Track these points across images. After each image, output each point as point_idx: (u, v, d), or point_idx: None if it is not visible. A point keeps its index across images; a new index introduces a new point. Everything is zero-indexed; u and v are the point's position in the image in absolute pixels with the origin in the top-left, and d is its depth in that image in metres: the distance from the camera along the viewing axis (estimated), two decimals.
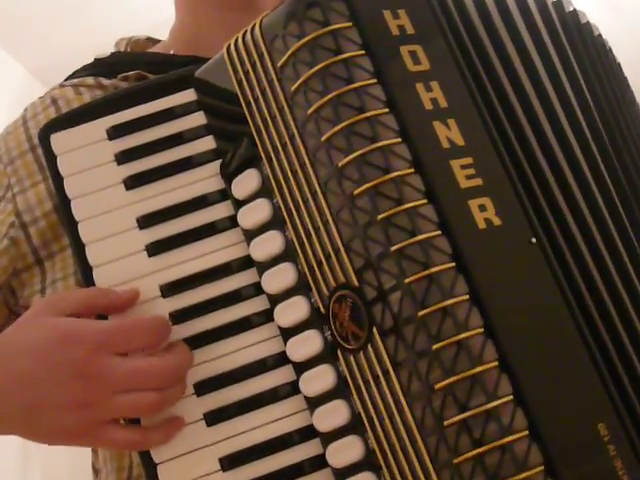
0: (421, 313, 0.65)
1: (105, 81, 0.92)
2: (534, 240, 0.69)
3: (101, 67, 0.94)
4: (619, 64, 0.91)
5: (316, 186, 0.71)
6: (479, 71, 0.73)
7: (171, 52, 0.96)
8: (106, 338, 0.71)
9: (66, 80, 0.94)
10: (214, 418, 0.75)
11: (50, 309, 0.73)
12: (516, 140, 0.72)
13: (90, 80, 0.92)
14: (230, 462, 0.74)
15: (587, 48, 0.82)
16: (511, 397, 0.64)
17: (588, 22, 0.87)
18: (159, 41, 1.01)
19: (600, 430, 0.65)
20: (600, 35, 0.88)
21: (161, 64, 0.93)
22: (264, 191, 0.76)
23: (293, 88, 0.71)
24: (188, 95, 0.81)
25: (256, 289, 0.76)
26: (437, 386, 0.64)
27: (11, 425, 0.74)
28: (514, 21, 0.78)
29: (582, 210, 0.73)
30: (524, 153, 0.72)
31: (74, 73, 0.95)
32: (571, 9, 0.86)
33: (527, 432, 0.63)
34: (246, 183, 0.77)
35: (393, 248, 0.66)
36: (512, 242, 0.69)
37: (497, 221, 0.68)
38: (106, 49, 0.97)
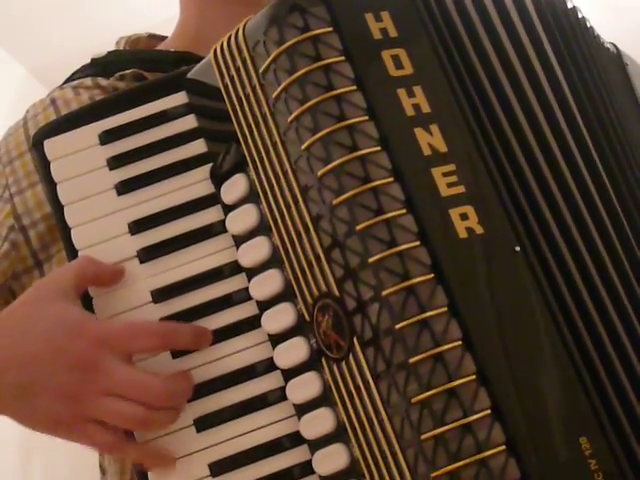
0: (398, 325, 0.64)
1: (103, 81, 0.92)
2: (518, 248, 0.67)
3: (98, 67, 0.94)
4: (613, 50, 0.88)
5: (297, 194, 0.70)
6: (465, 74, 0.71)
7: (172, 50, 0.96)
8: (111, 335, 0.72)
9: (65, 82, 0.95)
10: (204, 424, 0.75)
11: (53, 290, 0.74)
12: (501, 146, 0.70)
13: (88, 81, 0.93)
14: (220, 468, 0.74)
15: (569, 43, 0.79)
16: (489, 411, 0.63)
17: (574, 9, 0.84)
18: (163, 38, 1.01)
19: (582, 444, 0.64)
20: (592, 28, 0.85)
21: (156, 61, 0.93)
22: (251, 196, 0.76)
23: (274, 95, 0.71)
24: (179, 98, 0.81)
25: (247, 294, 0.76)
26: (414, 400, 0.64)
27: (4, 403, 0.75)
28: (494, 24, 0.76)
29: (565, 217, 0.71)
30: (509, 159, 0.70)
31: (73, 74, 0.95)
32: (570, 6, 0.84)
33: (504, 447, 0.63)
34: (234, 188, 0.77)
35: (371, 259, 0.66)
36: (495, 251, 0.67)
37: (479, 229, 0.67)
38: (107, 49, 0.97)
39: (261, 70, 0.72)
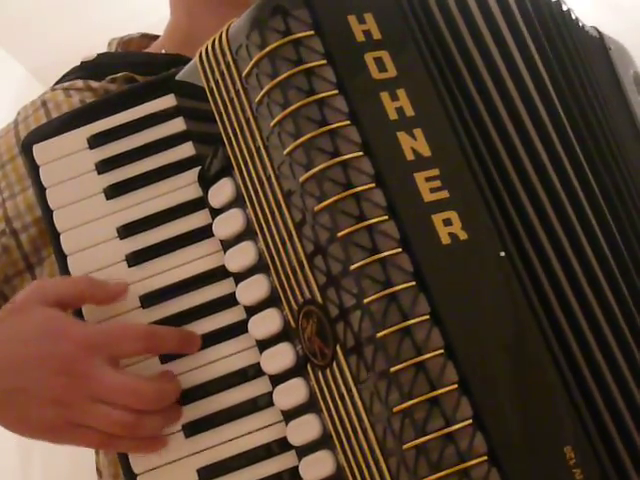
0: (380, 334, 0.64)
1: (94, 83, 0.92)
2: (503, 254, 0.66)
3: (89, 70, 0.94)
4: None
5: (280, 200, 0.69)
6: (449, 76, 0.70)
7: (163, 51, 0.95)
8: (97, 338, 0.72)
9: (56, 84, 0.94)
10: (192, 429, 0.75)
11: (39, 297, 0.74)
12: (486, 149, 0.69)
13: (80, 83, 0.92)
14: (209, 473, 0.74)
15: (552, 41, 0.78)
16: (470, 421, 0.62)
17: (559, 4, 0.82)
18: (156, 37, 1.00)
19: (566, 453, 0.63)
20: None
21: (146, 64, 0.92)
22: (238, 201, 0.75)
23: (257, 99, 0.70)
24: (168, 101, 0.80)
25: (235, 299, 0.76)
26: (395, 409, 0.63)
27: None
28: (478, 25, 0.75)
29: (552, 220, 0.70)
30: (494, 163, 0.69)
31: (63, 77, 0.95)
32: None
33: (486, 457, 0.62)
34: (221, 192, 0.76)
35: (353, 266, 0.65)
36: (479, 256, 0.67)
37: (463, 235, 0.66)
38: (107, 49, 0.96)
39: (244, 74, 0.71)
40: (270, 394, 0.74)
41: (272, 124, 0.69)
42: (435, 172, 0.67)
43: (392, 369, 0.63)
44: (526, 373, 0.64)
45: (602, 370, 0.67)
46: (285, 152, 0.68)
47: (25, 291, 0.77)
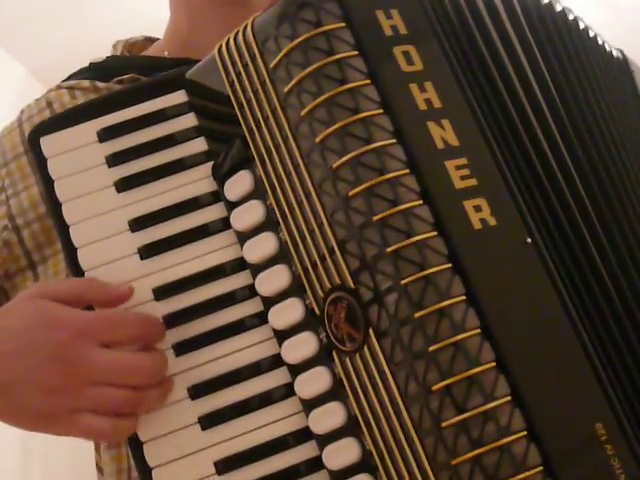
0: (418, 314, 0.65)
1: (100, 84, 0.92)
2: (529, 240, 0.69)
3: (96, 71, 0.93)
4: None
5: (310, 188, 0.70)
6: (472, 70, 0.73)
7: (165, 53, 0.96)
8: (89, 326, 0.71)
9: (62, 82, 0.94)
10: (209, 422, 0.74)
11: (40, 294, 0.73)
12: (512, 139, 0.72)
13: (86, 83, 0.92)
14: (225, 466, 0.74)
15: (565, 45, 0.82)
16: (509, 398, 0.64)
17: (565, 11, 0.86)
18: (157, 40, 1.00)
19: (597, 430, 0.65)
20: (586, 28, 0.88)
21: (154, 68, 0.92)
22: (257, 192, 0.76)
23: (286, 90, 0.71)
24: (179, 96, 0.80)
25: (249, 291, 0.76)
26: (434, 387, 0.64)
27: None
28: (502, 17, 0.78)
29: (573, 207, 0.73)
30: (519, 151, 0.72)
31: (70, 76, 0.94)
32: (560, 9, 0.86)
33: (525, 432, 0.63)
34: (238, 185, 0.77)
35: (389, 249, 0.66)
36: (507, 242, 0.69)
37: (492, 221, 0.68)
38: (106, 49, 0.97)
39: (272, 65, 0.72)
40: (286, 385, 0.74)
41: (303, 113, 0.70)
42: (463, 161, 0.69)
43: (430, 348, 0.64)
44: (557, 351, 0.66)
45: (623, 349, 0.70)
46: (317, 140, 0.69)
47: (26, 290, 0.76)
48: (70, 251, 0.78)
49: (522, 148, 0.73)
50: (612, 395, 0.66)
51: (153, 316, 0.75)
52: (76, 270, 0.77)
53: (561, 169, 0.74)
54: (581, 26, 0.87)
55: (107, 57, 0.96)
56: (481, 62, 0.74)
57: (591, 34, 0.88)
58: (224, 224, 0.77)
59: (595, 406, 0.66)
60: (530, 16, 0.79)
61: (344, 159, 0.68)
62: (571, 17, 0.85)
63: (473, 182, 0.69)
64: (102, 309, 0.75)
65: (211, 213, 0.78)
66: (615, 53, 0.94)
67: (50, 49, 3.21)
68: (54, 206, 0.79)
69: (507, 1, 0.78)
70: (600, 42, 0.89)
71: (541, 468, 0.63)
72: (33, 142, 0.79)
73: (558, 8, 0.84)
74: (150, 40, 1.00)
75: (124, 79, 0.91)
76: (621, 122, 0.85)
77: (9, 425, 0.74)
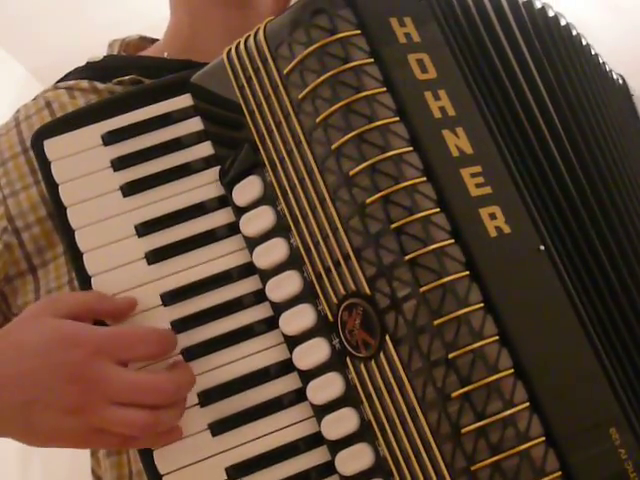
0: (437, 322, 0.65)
1: (99, 85, 0.90)
2: (542, 247, 0.69)
3: (94, 71, 0.92)
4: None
5: (325, 194, 0.70)
6: (484, 78, 0.74)
7: (165, 54, 0.95)
8: (106, 343, 0.70)
9: (59, 82, 0.92)
10: (219, 428, 0.74)
11: (49, 310, 0.72)
12: (523, 146, 0.73)
13: (84, 83, 0.91)
14: (236, 472, 0.73)
15: (567, 48, 0.83)
16: (527, 404, 0.65)
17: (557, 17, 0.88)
18: (154, 40, 0.99)
19: (612, 435, 0.66)
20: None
21: (155, 69, 0.91)
22: (266, 198, 0.76)
23: (300, 96, 0.71)
24: (184, 100, 0.80)
25: (258, 297, 0.76)
26: (454, 394, 0.65)
27: (6, 424, 0.72)
28: (513, 27, 0.79)
29: (583, 214, 0.75)
30: (530, 158, 0.73)
31: (67, 75, 0.93)
32: (552, 14, 0.88)
33: (544, 438, 0.64)
34: (248, 190, 0.76)
35: (407, 257, 0.66)
36: (521, 250, 0.69)
37: (507, 229, 0.69)
38: (106, 49, 0.95)
39: (285, 71, 0.72)
40: (295, 391, 0.74)
41: (319, 119, 0.70)
42: (478, 169, 0.70)
43: (450, 355, 0.65)
44: (572, 356, 0.67)
45: (635, 355, 0.71)
46: (333, 147, 0.69)
47: (34, 305, 0.75)
48: (76, 256, 0.77)
49: (533, 155, 0.73)
50: (625, 400, 0.68)
51: (168, 331, 0.75)
52: (82, 275, 0.77)
53: (571, 176, 0.75)
54: (583, 42, 0.89)
55: (105, 56, 0.95)
56: (492, 70, 0.74)
57: (584, 43, 0.89)
58: (231, 229, 0.77)
59: (609, 412, 0.67)
60: (538, 27, 0.80)
61: (361, 166, 0.68)
62: (574, 33, 0.87)
63: (488, 190, 0.69)
64: (117, 326, 0.74)
65: (218, 218, 0.78)
66: (616, 77, 0.96)
67: (50, 49, 3.17)
68: (59, 210, 0.78)
69: (515, 10, 0.79)
70: (594, 52, 0.91)
71: (560, 474, 0.64)
72: (36, 145, 0.78)
73: (562, 22, 0.85)
74: (146, 40, 0.99)
75: (124, 80, 0.90)
76: (623, 133, 0.87)
77: (23, 443, 0.73)
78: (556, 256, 0.70)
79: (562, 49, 0.81)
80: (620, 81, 0.97)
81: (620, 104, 0.93)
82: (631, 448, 0.66)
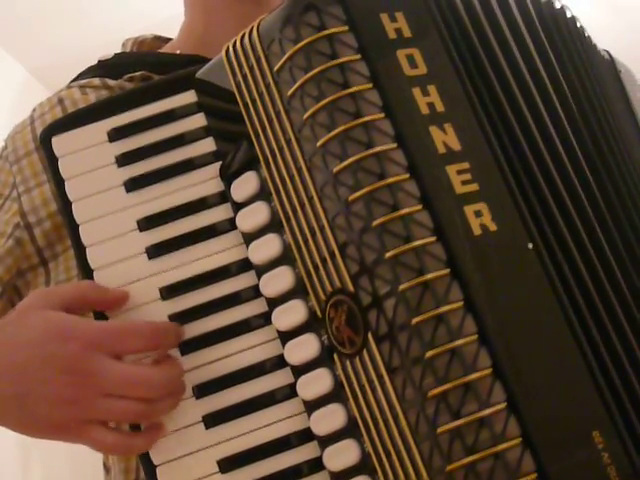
0: (415, 320, 0.65)
1: (111, 82, 0.92)
2: (530, 246, 0.68)
3: (106, 69, 0.94)
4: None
5: (312, 191, 0.71)
6: (476, 74, 0.72)
7: (177, 52, 0.96)
8: (100, 336, 0.72)
9: (72, 82, 0.95)
10: (212, 420, 0.75)
11: (44, 301, 0.74)
12: (512, 145, 0.71)
13: (96, 81, 0.93)
14: (228, 464, 0.74)
15: (572, 46, 0.81)
16: (504, 404, 0.64)
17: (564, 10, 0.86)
18: (168, 39, 1.01)
19: (594, 438, 0.64)
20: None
21: (165, 64, 0.93)
22: (263, 194, 0.76)
23: (289, 93, 0.71)
24: (188, 97, 0.81)
25: (255, 292, 0.77)
26: (430, 393, 0.64)
27: (1, 415, 0.75)
28: (518, 21, 0.77)
29: (573, 216, 0.73)
30: (519, 158, 0.71)
31: (79, 75, 0.95)
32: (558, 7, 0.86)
33: (520, 439, 0.63)
34: (245, 186, 0.77)
35: (388, 254, 0.66)
36: (508, 248, 0.68)
37: (493, 227, 0.68)
38: (107, 49, 0.97)
39: (276, 68, 0.72)
40: (289, 386, 0.75)
41: (305, 116, 0.70)
42: (465, 165, 0.69)
43: (427, 354, 0.64)
44: (555, 357, 0.66)
45: (623, 360, 0.70)
46: (318, 144, 0.69)
47: (29, 298, 0.77)
48: (80, 250, 0.79)
49: (523, 154, 0.72)
50: (610, 403, 0.66)
51: (167, 323, 0.76)
52: (85, 269, 0.78)
53: (561, 174, 0.73)
54: (577, 24, 0.86)
55: (115, 54, 0.96)
56: (485, 66, 0.73)
57: (583, 32, 0.87)
58: (231, 224, 0.78)
59: (592, 414, 0.65)
60: (544, 19, 0.78)
61: (344, 163, 0.68)
62: (569, 14, 0.84)
63: (474, 187, 0.68)
64: (113, 320, 0.76)
65: (219, 213, 0.79)
66: (603, 53, 0.93)
67: (50, 49, 3.23)
68: (65, 205, 0.80)
69: (503, 3, 0.77)
70: (591, 40, 0.88)
71: (535, 475, 0.63)
72: (45, 142, 0.80)
73: (557, 6, 0.83)
74: (160, 39, 1.01)
75: (135, 76, 0.92)
76: (619, 124, 0.84)
77: (20, 434, 0.76)
78: (545, 254, 0.68)
79: (557, 37, 0.79)
80: (607, 57, 0.94)
81: (611, 86, 0.90)
82: (615, 453, 0.64)
